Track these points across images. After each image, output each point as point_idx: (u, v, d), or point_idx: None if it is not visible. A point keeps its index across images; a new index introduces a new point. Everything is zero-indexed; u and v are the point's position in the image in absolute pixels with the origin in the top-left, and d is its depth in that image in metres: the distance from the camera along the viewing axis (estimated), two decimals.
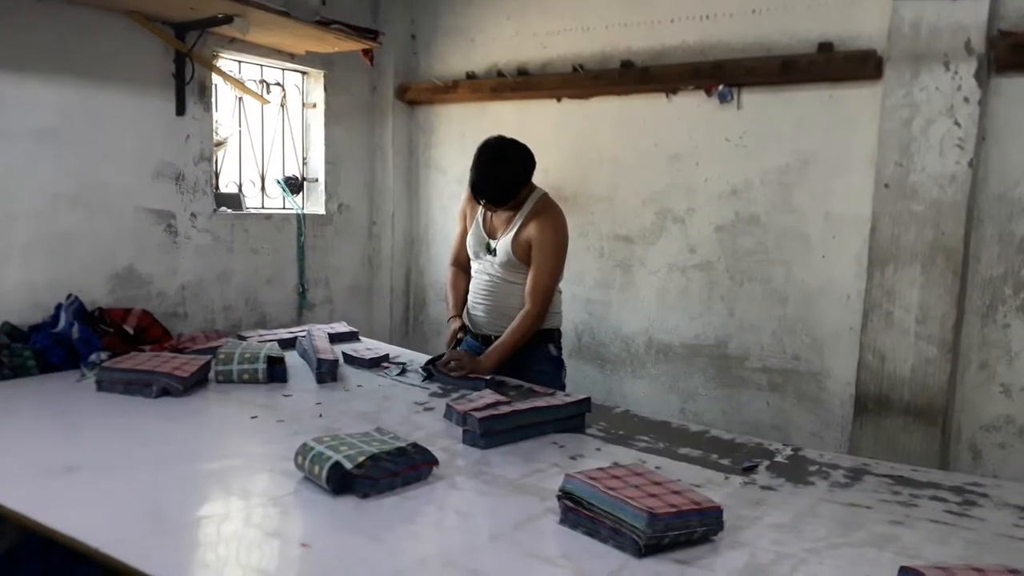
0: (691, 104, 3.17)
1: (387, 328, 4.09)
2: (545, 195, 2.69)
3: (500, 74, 3.69)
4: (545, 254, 2.60)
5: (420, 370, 2.66)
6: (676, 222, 3.26)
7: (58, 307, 2.65)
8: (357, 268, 4.07)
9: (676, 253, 3.27)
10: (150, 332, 2.79)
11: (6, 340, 2.46)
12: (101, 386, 2.29)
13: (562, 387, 2.64)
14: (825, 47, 2.81)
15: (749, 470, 1.86)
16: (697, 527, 1.43)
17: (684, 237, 3.24)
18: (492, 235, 2.70)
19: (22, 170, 2.66)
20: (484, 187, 2.55)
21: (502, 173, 2.55)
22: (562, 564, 1.37)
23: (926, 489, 1.76)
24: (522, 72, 3.62)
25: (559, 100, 3.55)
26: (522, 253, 2.62)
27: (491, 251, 2.68)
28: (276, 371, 2.49)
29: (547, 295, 2.63)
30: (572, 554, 1.40)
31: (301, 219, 3.70)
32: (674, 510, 1.41)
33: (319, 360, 2.57)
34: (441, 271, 3.00)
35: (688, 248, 3.24)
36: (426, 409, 2.28)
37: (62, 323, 2.54)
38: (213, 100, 3.29)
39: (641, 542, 1.36)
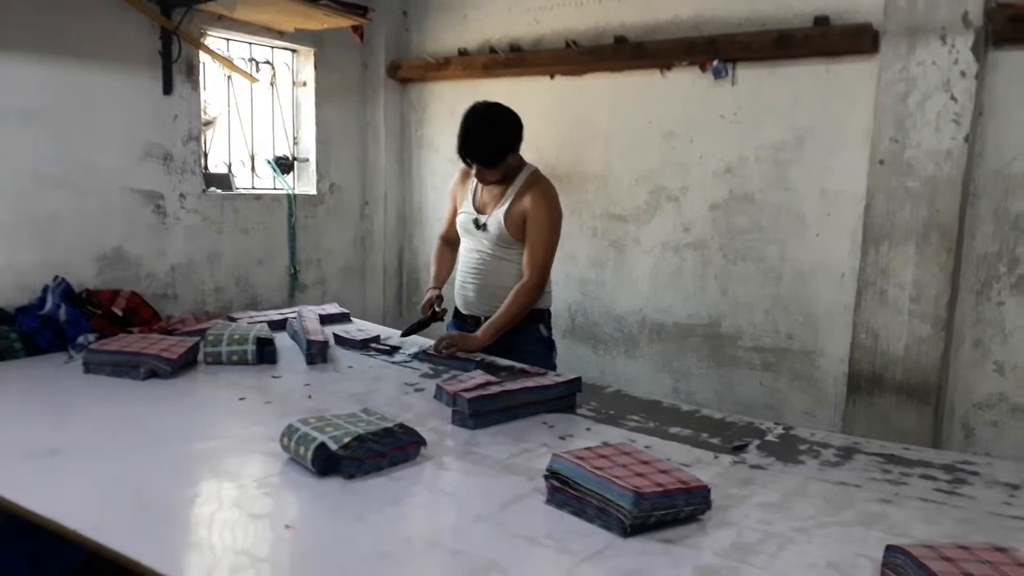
0: (685, 80, 3.13)
1: (380, 309, 4.07)
2: (537, 170, 2.66)
3: (492, 50, 3.64)
4: (540, 227, 2.57)
5: (410, 356, 2.63)
6: (670, 200, 3.23)
7: (45, 289, 2.62)
8: (349, 249, 4.04)
9: (670, 232, 3.24)
10: (139, 314, 2.77)
11: None
12: (88, 368, 2.27)
13: (553, 368, 2.63)
14: (821, 21, 2.77)
15: (739, 449, 1.85)
16: (684, 506, 1.42)
17: (678, 215, 3.22)
18: (482, 211, 2.68)
19: (5, 149, 2.63)
20: (470, 146, 2.52)
21: (488, 132, 2.53)
22: (548, 544, 1.36)
23: (916, 467, 1.75)
24: (515, 48, 3.58)
25: (552, 77, 3.51)
26: (515, 228, 2.59)
27: (481, 227, 2.66)
28: (265, 352, 2.47)
29: (545, 267, 2.61)
30: (558, 534, 1.39)
31: (292, 199, 3.67)
32: (660, 489, 1.39)
33: (309, 341, 2.55)
34: (433, 252, 2.98)
35: (682, 227, 3.21)
36: (416, 390, 2.27)
37: (49, 305, 2.52)
38: (201, 79, 3.25)
39: (627, 521, 1.35)
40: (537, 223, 2.57)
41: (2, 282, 2.61)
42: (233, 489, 1.58)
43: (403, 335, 2.77)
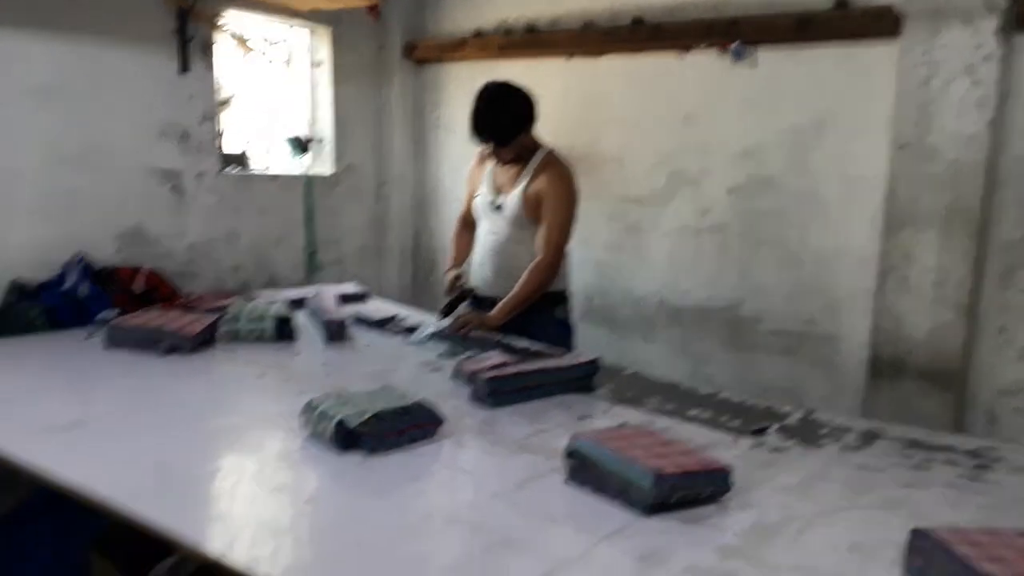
0: (704, 63, 3.10)
1: (396, 289, 4.08)
2: (552, 151, 2.65)
3: (508, 31, 3.61)
4: (556, 207, 2.57)
5: (427, 336, 2.62)
6: (689, 184, 3.21)
7: (65, 265, 2.64)
8: (366, 229, 4.04)
9: (689, 215, 3.22)
10: (159, 291, 2.78)
11: (14, 297, 2.46)
12: (109, 344, 2.29)
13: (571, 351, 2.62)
14: (842, 3, 2.73)
15: (759, 432, 1.84)
16: (704, 488, 1.41)
17: (697, 199, 3.19)
18: (499, 193, 2.67)
19: (25, 128, 2.64)
20: (483, 124, 2.52)
21: (501, 110, 2.53)
22: (567, 522, 1.36)
23: (940, 453, 1.73)
24: (531, 29, 3.55)
25: (569, 58, 3.48)
26: (531, 209, 2.58)
27: (497, 208, 2.65)
28: (284, 330, 2.48)
29: (560, 247, 2.60)
30: (577, 512, 1.39)
31: (309, 180, 3.66)
32: (681, 470, 1.39)
33: (327, 320, 2.56)
34: (451, 233, 2.98)
35: (701, 210, 3.19)
36: (434, 370, 2.27)
37: (70, 281, 2.54)
38: (216, 58, 3.24)
39: (647, 501, 1.35)
40: (552, 202, 2.57)
41: (24, 258, 2.63)
42: (254, 463, 1.59)
43: (442, 316, 2.69)
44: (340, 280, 3.74)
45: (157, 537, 1.28)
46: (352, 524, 1.34)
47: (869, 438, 1.82)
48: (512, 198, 2.61)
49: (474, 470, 1.62)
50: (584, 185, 2.75)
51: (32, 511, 1.89)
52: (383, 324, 2.76)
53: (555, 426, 1.83)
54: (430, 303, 4.01)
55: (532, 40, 3.51)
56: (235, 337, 2.44)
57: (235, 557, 1.19)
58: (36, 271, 2.64)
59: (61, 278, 2.59)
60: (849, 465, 1.65)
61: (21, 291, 2.51)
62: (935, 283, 2.58)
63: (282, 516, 1.38)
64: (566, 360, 2.20)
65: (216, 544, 1.24)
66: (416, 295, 4.16)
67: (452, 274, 2.82)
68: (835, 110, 2.82)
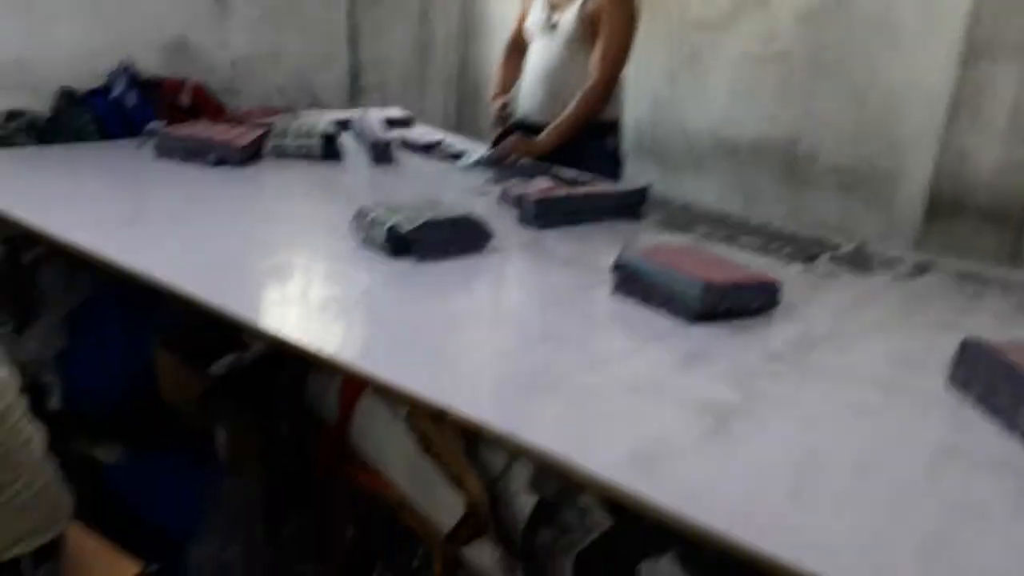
0: None
1: (440, 117, 3.99)
2: None
3: None
4: (612, 26, 2.43)
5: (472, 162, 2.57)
6: (756, 6, 2.99)
7: (111, 74, 2.61)
8: (409, 55, 3.90)
9: (752, 42, 3.02)
10: (205, 105, 2.76)
11: (64, 103, 2.47)
12: (159, 153, 2.30)
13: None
14: None
15: (811, 260, 1.81)
16: (753, 300, 1.41)
17: (762, 24, 2.98)
18: (555, 10, 2.53)
19: None
20: None
21: None
22: (613, 326, 1.39)
23: (994, 284, 1.70)
24: None
25: None
26: (588, 27, 2.45)
27: (552, 27, 2.52)
28: (330, 149, 2.46)
29: (614, 69, 2.48)
30: (625, 317, 1.41)
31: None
32: (730, 281, 1.39)
33: (374, 141, 2.53)
34: (498, 60, 2.86)
35: (766, 37, 2.99)
36: (481, 194, 2.25)
37: (116, 90, 2.52)
38: None
39: (696, 309, 1.35)
40: (610, 21, 2.42)
41: (69, 66, 2.60)
42: (307, 260, 1.63)
43: (494, 146, 2.61)
44: (383, 105, 3.67)
45: (218, 331, 1.34)
46: (405, 315, 1.38)
47: (922, 268, 1.78)
48: (568, 16, 2.47)
49: (521, 280, 1.65)
50: (644, 3, 2.58)
51: (102, 303, 1.98)
52: (429, 149, 2.72)
53: (602, 246, 1.82)
54: (475, 132, 3.94)
55: None
56: (282, 153, 2.43)
57: (289, 332, 1.24)
58: (83, 79, 2.62)
59: (108, 87, 2.57)
60: (901, 291, 1.63)
61: (71, 98, 2.50)
62: (1011, 118, 2.43)
63: (337, 304, 1.42)
64: (615, 187, 2.16)
65: (270, 322, 1.29)
66: (460, 123, 4.07)
67: (499, 102, 2.72)
68: None
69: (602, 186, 2.16)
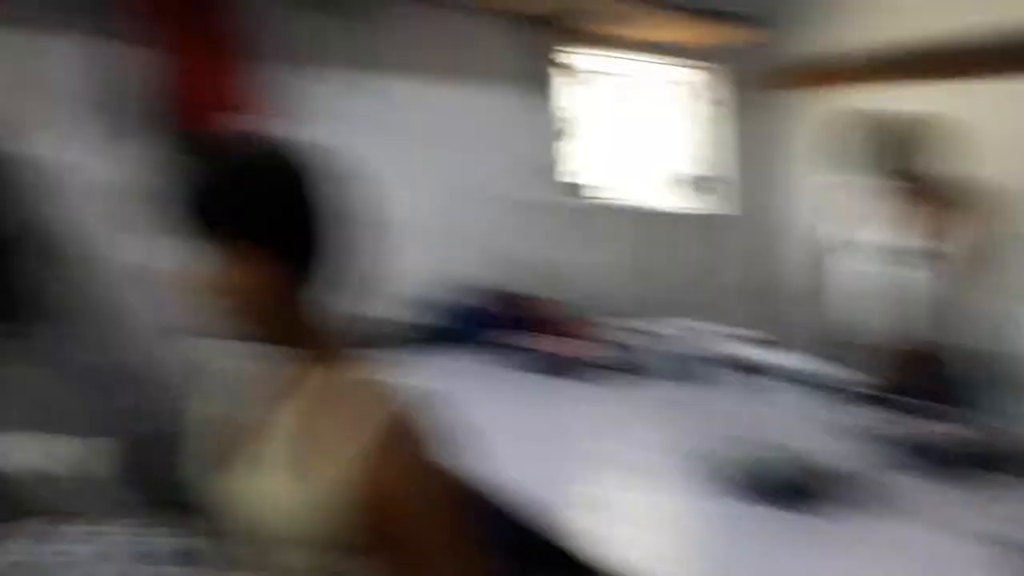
0: None
1: (788, 337, 3.74)
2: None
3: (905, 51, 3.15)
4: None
5: None
6: None
7: (458, 289, 2.91)
8: (751, 268, 3.84)
9: None
10: (550, 321, 2.83)
11: (434, 314, 2.84)
12: (518, 366, 2.54)
13: None
14: None
15: None
16: None
17: None
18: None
19: (421, 167, 2.82)
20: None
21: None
22: None
23: None
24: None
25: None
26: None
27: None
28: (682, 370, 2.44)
29: None
30: None
31: (707, 219, 3.62)
32: None
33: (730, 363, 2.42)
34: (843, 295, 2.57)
35: None
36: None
37: (467, 303, 2.88)
38: (574, 91, 3.28)
39: None
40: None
41: (422, 280, 2.84)
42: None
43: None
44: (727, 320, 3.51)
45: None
46: None
47: None
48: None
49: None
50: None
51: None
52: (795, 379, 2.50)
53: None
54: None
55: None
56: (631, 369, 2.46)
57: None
58: (430, 291, 2.88)
59: (457, 301, 2.88)
60: None
61: (436, 310, 2.84)
62: None
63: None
64: None
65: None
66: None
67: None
68: None
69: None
